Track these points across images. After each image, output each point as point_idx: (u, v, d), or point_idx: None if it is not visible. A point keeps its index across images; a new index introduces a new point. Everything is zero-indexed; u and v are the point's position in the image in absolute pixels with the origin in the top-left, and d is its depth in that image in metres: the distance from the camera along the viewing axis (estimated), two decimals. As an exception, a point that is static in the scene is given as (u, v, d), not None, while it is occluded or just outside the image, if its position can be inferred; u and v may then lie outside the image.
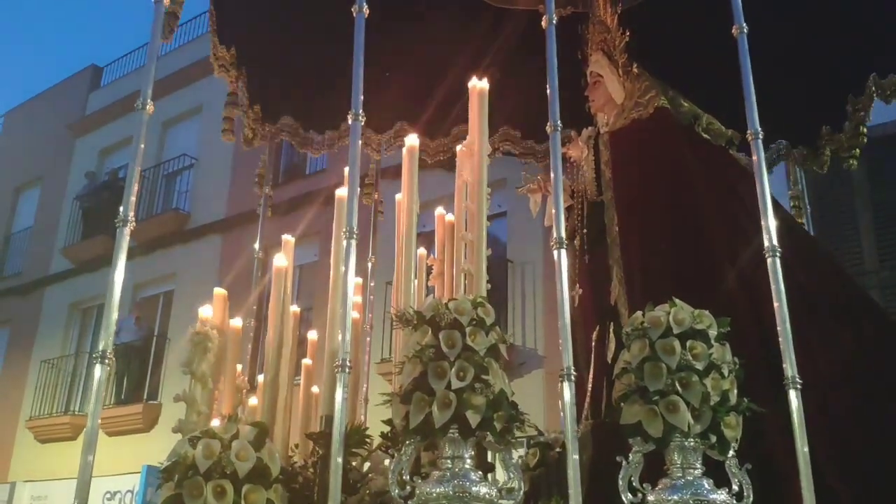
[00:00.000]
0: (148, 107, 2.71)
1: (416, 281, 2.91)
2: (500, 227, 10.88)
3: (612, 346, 3.42)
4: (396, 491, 2.23)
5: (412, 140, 3.04)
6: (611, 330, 3.45)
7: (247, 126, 4.48)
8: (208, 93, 14.29)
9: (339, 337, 2.47)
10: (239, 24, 4.29)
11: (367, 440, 2.72)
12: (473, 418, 2.19)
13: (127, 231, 2.53)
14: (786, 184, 4.94)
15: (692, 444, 2.34)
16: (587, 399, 3.55)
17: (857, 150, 4.54)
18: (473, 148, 2.88)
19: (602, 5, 4.08)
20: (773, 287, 2.58)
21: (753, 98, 2.85)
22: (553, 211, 2.70)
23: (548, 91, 2.80)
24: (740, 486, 2.33)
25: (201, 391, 2.78)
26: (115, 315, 2.43)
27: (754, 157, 2.80)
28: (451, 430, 2.22)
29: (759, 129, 2.80)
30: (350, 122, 2.75)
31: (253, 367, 3.78)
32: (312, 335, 3.41)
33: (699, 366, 2.37)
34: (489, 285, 2.71)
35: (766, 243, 2.65)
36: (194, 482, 2.20)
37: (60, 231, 17.28)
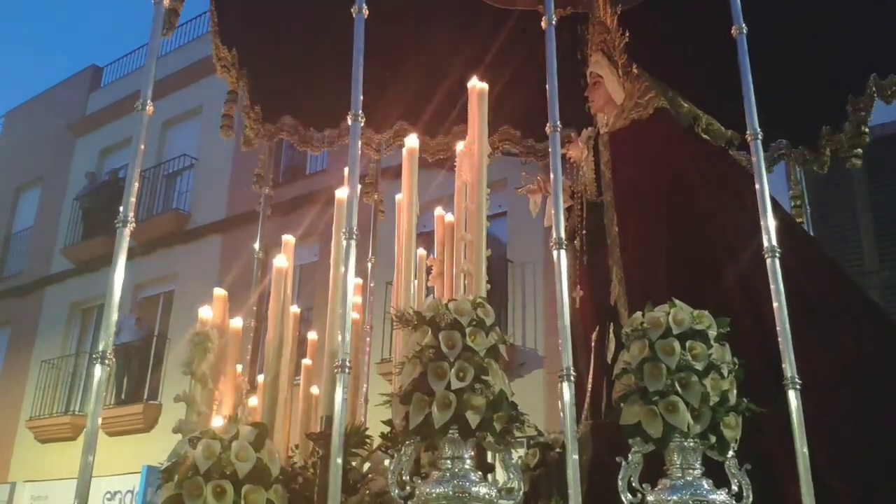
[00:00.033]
0: (148, 108, 2.71)
1: (415, 281, 2.91)
2: (500, 227, 10.89)
3: (611, 346, 3.42)
4: (396, 491, 2.24)
5: (412, 141, 3.04)
6: (610, 330, 3.45)
7: (248, 126, 4.49)
8: (208, 93, 14.28)
9: (339, 337, 2.47)
10: (239, 25, 4.30)
11: (367, 440, 2.72)
12: (473, 419, 2.19)
13: (127, 232, 2.53)
14: (786, 184, 4.94)
15: (692, 444, 2.34)
16: (587, 399, 3.55)
17: (860, 150, 4.54)
18: (473, 148, 2.88)
19: (602, 6, 4.08)
20: (772, 287, 2.58)
21: (752, 99, 2.85)
22: (553, 211, 2.71)
23: (547, 92, 2.81)
24: (740, 487, 2.33)
25: (201, 391, 2.78)
26: (115, 316, 2.43)
27: (753, 158, 2.81)
28: (450, 431, 2.22)
29: (759, 129, 2.81)
30: (350, 122, 2.75)
31: (253, 367, 3.79)
32: (312, 335, 3.42)
33: (699, 366, 2.37)
34: (489, 285, 2.71)
35: (766, 244, 2.66)
36: (194, 482, 2.20)
37: (60, 231, 17.29)
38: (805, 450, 2.37)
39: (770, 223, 2.68)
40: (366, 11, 2.87)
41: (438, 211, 3.12)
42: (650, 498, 2.32)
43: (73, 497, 2.26)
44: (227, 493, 2.19)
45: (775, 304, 2.56)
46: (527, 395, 6.12)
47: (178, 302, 14.63)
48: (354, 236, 2.56)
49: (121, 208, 2.57)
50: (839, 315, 3.30)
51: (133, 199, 2.59)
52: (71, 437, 14.56)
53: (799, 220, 4.66)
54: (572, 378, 2.41)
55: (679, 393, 2.33)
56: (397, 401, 2.32)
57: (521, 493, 2.28)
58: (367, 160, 4.91)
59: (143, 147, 2.71)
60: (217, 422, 2.64)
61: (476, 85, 2.94)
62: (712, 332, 2.45)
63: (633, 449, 2.38)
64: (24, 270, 18.00)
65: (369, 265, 4.60)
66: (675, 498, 2.29)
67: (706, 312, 2.49)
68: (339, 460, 2.28)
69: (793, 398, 2.44)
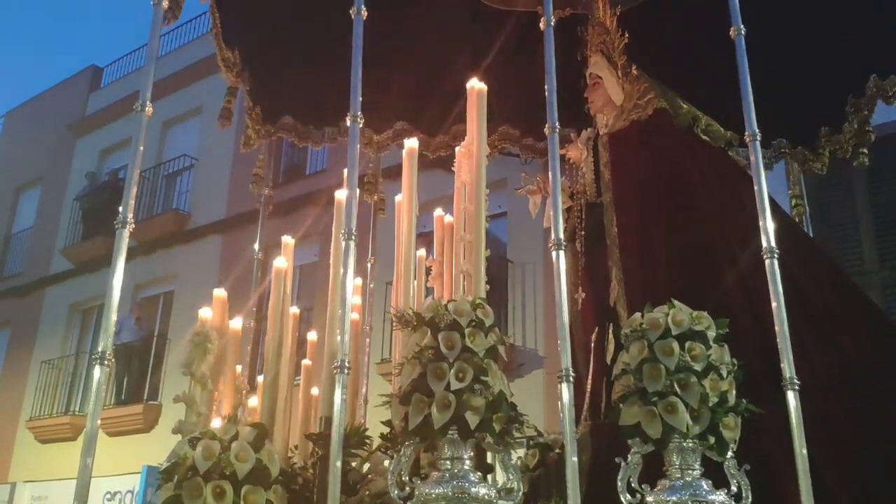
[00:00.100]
0: (147, 109, 2.71)
1: (415, 282, 2.92)
2: (499, 228, 10.88)
3: (611, 347, 3.42)
4: (396, 492, 2.24)
5: (412, 143, 3.05)
6: (610, 331, 3.45)
7: (249, 127, 4.49)
8: (208, 93, 14.29)
9: (338, 338, 2.47)
10: (239, 25, 4.30)
11: (367, 441, 2.73)
12: (472, 419, 2.20)
13: (126, 233, 2.53)
14: (785, 184, 4.94)
15: (691, 445, 2.34)
16: (586, 400, 3.55)
17: (865, 148, 4.53)
18: (472, 149, 2.88)
19: (601, 7, 4.08)
20: (770, 288, 2.58)
21: (751, 100, 2.85)
22: (552, 212, 2.71)
23: (546, 93, 2.81)
24: (739, 487, 2.33)
25: (201, 392, 2.78)
26: (114, 317, 2.43)
27: (752, 159, 2.81)
28: (450, 432, 2.22)
29: (757, 130, 2.81)
30: (349, 123, 2.75)
31: (253, 368, 3.79)
32: (312, 336, 3.42)
33: (698, 367, 2.37)
34: (488, 286, 2.72)
35: (764, 244, 2.66)
36: (194, 483, 2.20)
37: (61, 231, 17.28)
38: (804, 451, 2.37)
39: (769, 224, 2.68)
40: (364, 13, 2.87)
41: (438, 212, 3.12)
42: (649, 498, 2.32)
43: (73, 498, 2.26)
44: (226, 494, 2.19)
45: (774, 305, 2.56)
46: (526, 396, 6.11)
47: (178, 302, 14.63)
48: (353, 237, 2.56)
49: (120, 209, 2.57)
50: (839, 316, 3.30)
51: (132, 201, 2.59)
52: (71, 438, 14.56)
53: (798, 220, 4.67)
54: (571, 379, 2.41)
55: (678, 394, 2.33)
56: (397, 401, 2.33)
57: (521, 493, 2.28)
58: (367, 160, 4.91)
59: (142, 148, 2.71)
60: (216, 423, 2.64)
61: (475, 86, 2.94)
62: (711, 333, 2.45)
63: (632, 450, 2.38)
64: (24, 271, 18.00)
65: (369, 265, 4.60)
66: (674, 498, 2.29)
67: (705, 313, 2.49)
68: (339, 463, 2.28)
69: (791, 399, 2.44)
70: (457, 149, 3.02)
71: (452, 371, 2.24)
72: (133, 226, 2.57)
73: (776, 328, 2.54)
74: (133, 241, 2.72)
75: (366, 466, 2.81)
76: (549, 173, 2.74)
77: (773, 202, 2.87)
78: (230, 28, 4.25)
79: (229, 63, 4.26)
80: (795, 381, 2.46)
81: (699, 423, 2.33)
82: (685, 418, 2.31)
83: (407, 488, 2.24)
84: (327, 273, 2.88)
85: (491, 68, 4.11)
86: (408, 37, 4.47)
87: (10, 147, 19.97)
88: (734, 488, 2.33)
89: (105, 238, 14.70)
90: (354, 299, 3.04)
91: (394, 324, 2.58)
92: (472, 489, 2.20)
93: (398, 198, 3.01)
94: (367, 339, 4.23)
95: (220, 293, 3.07)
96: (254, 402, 3.09)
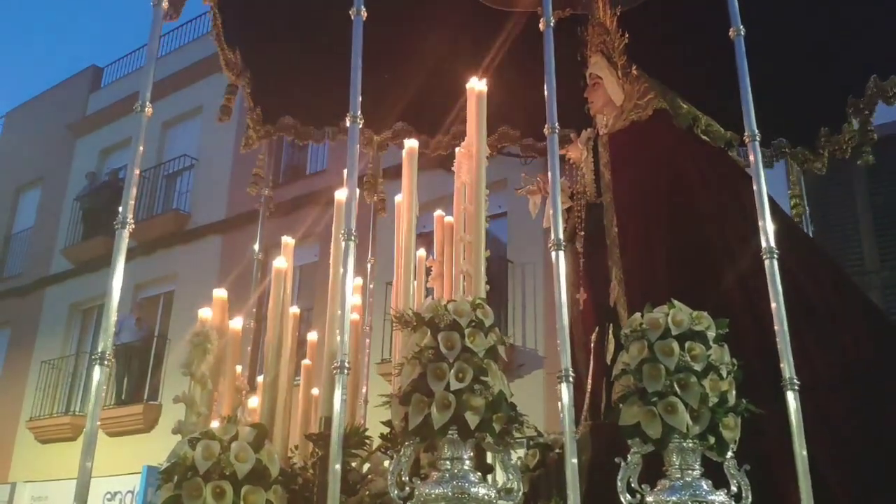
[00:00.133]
0: (147, 109, 2.72)
1: (415, 282, 2.92)
2: (499, 228, 10.88)
3: (611, 347, 3.42)
4: (396, 492, 2.24)
5: (412, 143, 3.05)
6: (610, 331, 3.45)
7: (250, 128, 4.50)
8: (208, 93, 14.29)
9: (338, 338, 2.47)
10: (239, 25, 4.30)
11: (367, 441, 2.73)
12: (472, 420, 2.20)
13: (126, 233, 2.53)
14: (785, 184, 4.94)
15: (691, 445, 2.34)
16: (586, 400, 3.55)
17: (869, 147, 4.53)
18: (472, 149, 2.88)
19: (601, 7, 4.09)
20: (770, 288, 2.58)
21: (750, 100, 2.85)
22: (551, 212, 2.71)
23: (545, 93, 2.81)
24: (739, 487, 2.33)
25: (201, 392, 2.78)
26: (114, 317, 2.43)
27: (751, 159, 2.81)
28: (450, 432, 2.22)
29: (756, 131, 2.81)
30: (348, 123, 2.75)
31: (253, 368, 3.79)
32: (312, 336, 3.42)
33: (698, 367, 2.37)
34: (488, 286, 2.72)
35: (764, 244, 2.66)
36: (194, 483, 2.20)
37: (61, 231, 17.29)
38: (804, 451, 2.36)
39: (768, 224, 2.68)
40: (364, 13, 2.87)
41: (438, 212, 3.13)
42: (649, 499, 2.32)
43: (73, 499, 2.26)
44: (226, 494, 2.19)
45: (773, 305, 2.56)
46: (526, 396, 6.12)
47: (178, 302, 14.63)
48: (353, 237, 2.56)
49: (120, 209, 2.57)
50: (839, 316, 3.30)
51: (132, 201, 2.60)
52: (71, 438, 14.56)
53: (798, 220, 4.67)
54: (571, 379, 2.41)
55: (678, 394, 2.33)
56: (396, 401, 2.33)
57: (521, 493, 2.28)
58: (366, 160, 4.91)
59: (142, 148, 2.72)
60: (216, 423, 2.64)
61: (475, 86, 2.94)
62: (711, 333, 2.46)
63: (632, 450, 2.38)
64: (24, 271, 18.00)
65: (369, 265, 4.60)
66: (674, 499, 2.29)
67: (705, 313, 2.49)
68: (338, 464, 2.28)
69: (791, 399, 2.44)
70: (457, 149, 3.02)
71: (452, 371, 2.24)
72: (133, 226, 2.57)
73: (776, 328, 2.54)
74: (133, 241, 2.72)
75: (366, 466, 2.81)
76: (549, 173, 2.74)
77: (772, 202, 2.87)
78: (230, 28, 4.25)
79: (231, 64, 4.27)
80: (795, 381, 2.46)
81: (699, 424, 2.33)
82: (685, 418, 2.31)
83: (407, 488, 2.24)
84: (327, 273, 2.88)
85: (490, 68, 4.11)
86: (408, 37, 4.47)
87: (10, 147, 19.97)
88: (734, 488, 2.33)
89: (105, 238, 14.69)
90: (354, 299, 3.04)
91: (394, 324, 2.58)
92: (472, 489, 2.20)
93: (398, 198, 3.01)
94: (367, 340, 4.23)
95: (220, 293, 3.07)
96: (254, 402, 3.09)
